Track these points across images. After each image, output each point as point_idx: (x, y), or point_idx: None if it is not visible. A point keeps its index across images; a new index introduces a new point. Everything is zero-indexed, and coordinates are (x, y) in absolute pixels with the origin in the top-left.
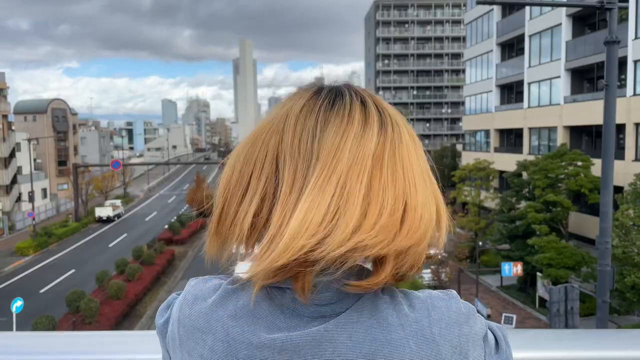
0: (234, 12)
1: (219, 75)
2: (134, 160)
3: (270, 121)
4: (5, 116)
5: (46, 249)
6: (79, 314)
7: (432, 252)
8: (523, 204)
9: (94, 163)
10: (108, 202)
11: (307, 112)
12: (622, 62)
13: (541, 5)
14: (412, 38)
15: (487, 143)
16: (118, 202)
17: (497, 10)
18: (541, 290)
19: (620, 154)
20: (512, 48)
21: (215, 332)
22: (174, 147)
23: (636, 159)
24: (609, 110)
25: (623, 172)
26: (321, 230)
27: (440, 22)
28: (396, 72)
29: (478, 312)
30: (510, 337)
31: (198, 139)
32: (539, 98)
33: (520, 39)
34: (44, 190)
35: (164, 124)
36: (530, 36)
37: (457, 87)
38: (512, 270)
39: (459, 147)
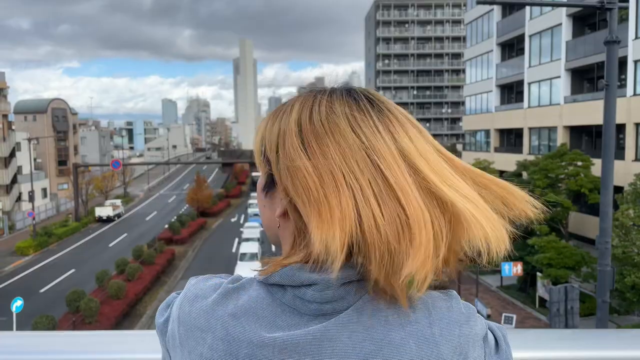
0: (234, 12)
1: (219, 75)
2: (134, 160)
3: None
4: (5, 116)
5: (46, 248)
6: (79, 314)
7: None
8: None
9: (94, 163)
10: (108, 202)
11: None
12: (622, 62)
13: (541, 5)
14: (412, 38)
15: (487, 143)
16: (118, 201)
17: (497, 10)
18: (541, 290)
19: (620, 154)
20: (512, 48)
21: (215, 331)
22: (174, 146)
23: (636, 159)
24: (609, 110)
25: (623, 172)
26: None
27: (440, 22)
28: (396, 72)
29: (478, 312)
30: (510, 337)
31: (198, 138)
32: (539, 98)
33: (520, 39)
34: (44, 190)
35: (164, 123)
36: (530, 36)
37: (457, 87)
38: (512, 270)
39: (459, 147)
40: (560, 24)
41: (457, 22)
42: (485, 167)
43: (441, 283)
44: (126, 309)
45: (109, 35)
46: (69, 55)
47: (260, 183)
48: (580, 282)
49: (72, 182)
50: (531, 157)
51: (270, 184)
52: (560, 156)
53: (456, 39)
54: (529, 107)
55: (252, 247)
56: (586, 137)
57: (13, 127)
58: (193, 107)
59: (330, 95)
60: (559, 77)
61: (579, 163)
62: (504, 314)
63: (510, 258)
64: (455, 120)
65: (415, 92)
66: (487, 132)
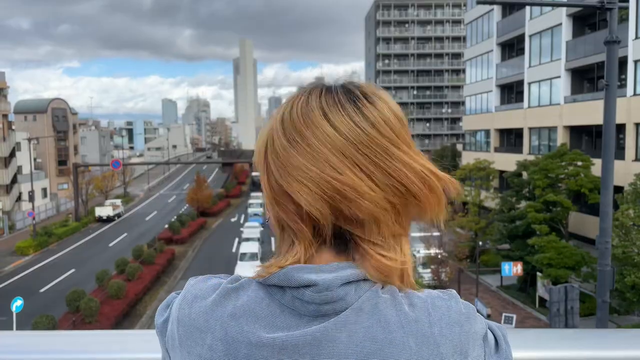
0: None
1: (219, 75)
2: (134, 160)
3: None
4: (5, 116)
5: (46, 248)
6: (79, 314)
7: None
8: (523, 204)
9: (94, 163)
10: (108, 202)
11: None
12: (622, 62)
13: (541, 5)
14: (413, 38)
15: (487, 143)
16: (118, 201)
17: (497, 10)
18: (541, 290)
19: (620, 154)
20: (512, 48)
21: (214, 331)
22: (174, 146)
23: (636, 159)
24: (609, 110)
25: (623, 172)
26: None
27: (440, 22)
28: (396, 72)
29: (478, 311)
30: (510, 336)
31: (198, 138)
32: (539, 98)
33: (520, 38)
34: (44, 189)
35: (164, 123)
36: (530, 36)
37: (457, 87)
38: (512, 270)
39: (459, 146)
40: (560, 24)
41: (457, 22)
42: (485, 167)
43: (441, 283)
44: (126, 309)
45: (109, 35)
46: (69, 55)
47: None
48: (580, 282)
49: (72, 182)
50: (531, 157)
51: None
52: (560, 156)
53: (456, 39)
54: (529, 107)
55: (252, 247)
56: (586, 137)
57: (13, 127)
58: (193, 107)
59: (311, 91)
60: (559, 77)
61: (579, 163)
62: (504, 314)
63: (510, 258)
64: (455, 120)
65: (415, 92)
66: (487, 132)
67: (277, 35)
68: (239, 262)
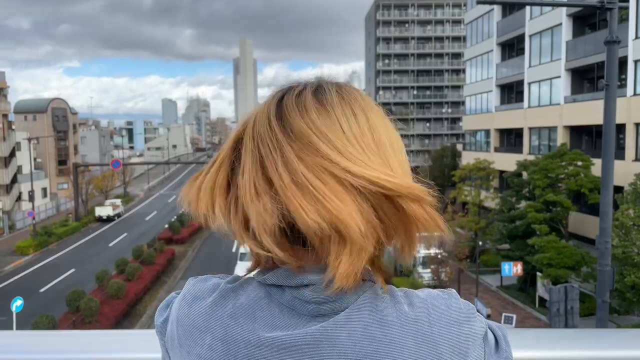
0: (234, 12)
1: (219, 75)
2: (134, 160)
3: None
4: (5, 115)
5: (46, 248)
6: (79, 314)
7: None
8: (523, 204)
9: (94, 162)
10: (108, 202)
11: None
12: (622, 62)
13: (541, 5)
14: (413, 38)
15: (487, 143)
16: (118, 201)
17: (497, 10)
18: (541, 290)
19: (620, 154)
20: (512, 48)
21: (214, 332)
22: (174, 146)
23: (636, 159)
24: (609, 110)
25: (623, 172)
26: None
27: (440, 22)
28: (396, 71)
29: (478, 311)
30: (510, 336)
31: (198, 138)
32: (539, 98)
33: (520, 38)
34: (44, 189)
35: (164, 123)
36: (530, 36)
37: (458, 87)
38: (512, 270)
39: (459, 146)
40: (561, 24)
41: (457, 22)
42: (485, 167)
43: (441, 283)
44: (126, 309)
45: (109, 35)
46: (69, 55)
47: None
48: (580, 282)
49: (72, 182)
50: (531, 157)
51: None
52: (560, 156)
53: (456, 38)
54: (529, 107)
55: None
56: (586, 137)
57: (13, 127)
58: (193, 107)
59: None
60: (559, 77)
61: (579, 163)
62: (504, 314)
63: (509, 258)
64: (455, 120)
65: (415, 92)
66: (487, 132)
67: (277, 35)
68: (239, 262)
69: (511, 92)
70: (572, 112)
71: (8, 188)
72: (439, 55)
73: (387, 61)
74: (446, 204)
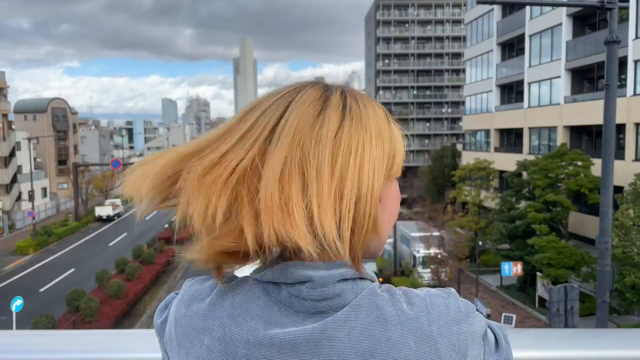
0: (234, 11)
1: (220, 75)
2: (134, 160)
3: None
4: (5, 115)
5: (46, 248)
6: (78, 313)
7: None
8: (523, 204)
9: (94, 162)
10: (108, 202)
11: None
12: (622, 62)
13: (541, 5)
14: (413, 38)
15: (487, 143)
16: (118, 201)
17: (497, 10)
18: (541, 290)
19: (620, 154)
20: (512, 48)
21: (213, 332)
22: (174, 146)
23: (636, 159)
24: (609, 110)
25: (623, 172)
26: None
27: (440, 22)
28: (396, 71)
29: (477, 311)
30: (510, 336)
31: None
32: (539, 98)
33: (520, 38)
34: (44, 189)
35: (164, 123)
36: (530, 36)
37: (458, 87)
38: (512, 270)
39: (459, 146)
40: (561, 24)
41: (457, 22)
42: (485, 166)
43: (441, 283)
44: (126, 309)
45: (109, 35)
46: (70, 54)
47: None
48: (580, 282)
49: (72, 182)
50: (531, 157)
51: None
52: (560, 156)
53: (456, 38)
54: (529, 107)
55: None
56: (586, 137)
57: (13, 127)
58: (193, 107)
59: None
60: (559, 77)
61: (579, 163)
62: (503, 314)
63: (509, 258)
64: (455, 120)
65: (415, 92)
66: (487, 132)
67: (277, 35)
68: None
69: (511, 92)
70: (572, 112)
71: (8, 188)
72: (439, 55)
73: (387, 61)
74: (446, 204)
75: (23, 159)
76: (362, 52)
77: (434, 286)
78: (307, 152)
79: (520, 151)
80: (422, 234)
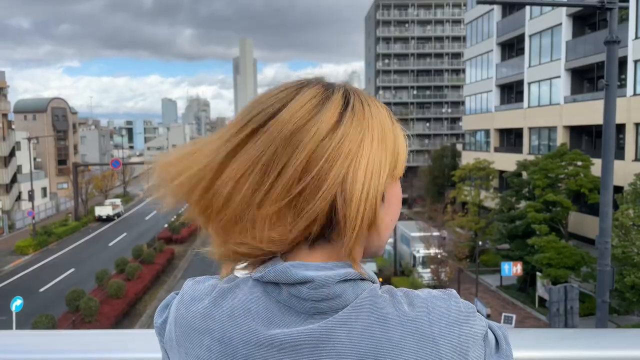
0: (234, 11)
1: (220, 75)
2: (133, 160)
3: None
4: (5, 115)
5: (46, 248)
6: (78, 313)
7: None
8: (523, 204)
9: (93, 162)
10: (108, 201)
11: None
12: (622, 62)
13: (541, 5)
14: (413, 37)
15: (487, 143)
16: (118, 201)
17: (497, 10)
18: (541, 290)
19: (620, 154)
20: (512, 48)
21: (213, 332)
22: (174, 146)
23: (636, 159)
24: (609, 110)
25: (623, 172)
26: None
27: (440, 22)
28: (396, 71)
29: (478, 311)
30: (510, 336)
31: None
32: (539, 98)
33: (520, 38)
34: (44, 189)
35: (164, 123)
36: (530, 36)
37: (457, 87)
38: (512, 270)
39: (459, 146)
40: (560, 24)
41: (457, 22)
42: (485, 166)
43: (441, 283)
44: (126, 308)
45: (109, 35)
46: (70, 54)
47: None
48: (580, 282)
49: (71, 182)
50: (531, 157)
51: None
52: (560, 156)
53: (456, 38)
54: (529, 107)
55: None
56: (586, 137)
57: (13, 127)
58: (193, 107)
59: None
60: (559, 77)
61: (579, 163)
62: (503, 314)
63: (509, 258)
64: (455, 120)
65: (415, 92)
66: (487, 132)
67: (277, 35)
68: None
69: (511, 92)
70: (572, 112)
71: (8, 188)
72: (439, 55)
73: (387, 61)
74: (446, 204)
75: (23, 158)
76: (362, 52)
77: (434, 286)
78: (281, 151)
79: (520, 151)
80: (422, 234)
